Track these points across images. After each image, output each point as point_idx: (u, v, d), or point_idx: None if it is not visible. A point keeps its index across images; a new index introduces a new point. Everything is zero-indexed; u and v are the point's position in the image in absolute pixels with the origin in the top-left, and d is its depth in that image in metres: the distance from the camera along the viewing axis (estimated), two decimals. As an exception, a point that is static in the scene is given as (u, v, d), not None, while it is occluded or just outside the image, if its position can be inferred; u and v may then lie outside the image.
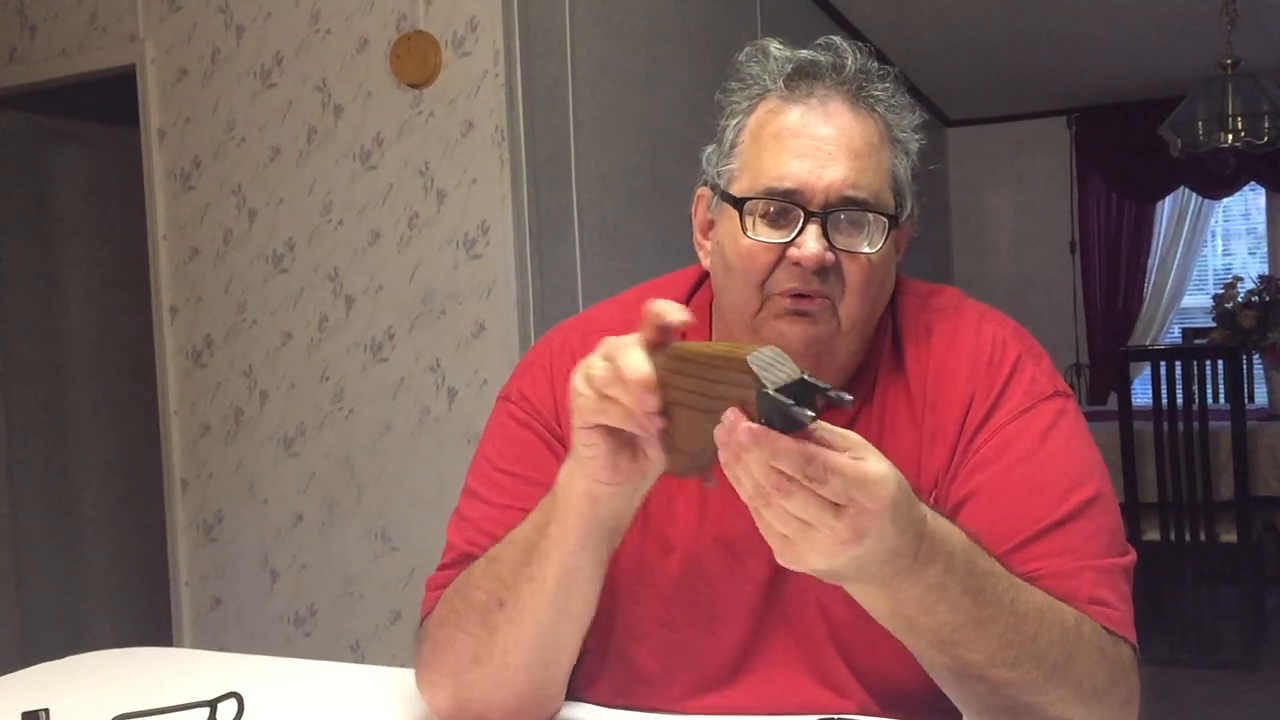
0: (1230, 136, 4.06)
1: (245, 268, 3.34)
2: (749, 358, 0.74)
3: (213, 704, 1.09)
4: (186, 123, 3.40)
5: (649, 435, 0.85)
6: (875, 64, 1.06)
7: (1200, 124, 4.13)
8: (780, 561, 0.80)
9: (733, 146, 1.06)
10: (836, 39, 1.07)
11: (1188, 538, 3.68)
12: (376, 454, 3.17)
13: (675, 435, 0.84)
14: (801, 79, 1.04)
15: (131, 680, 1.31)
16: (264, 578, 3.34)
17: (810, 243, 1.00)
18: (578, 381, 0.88)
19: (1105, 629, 0.96)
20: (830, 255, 1.00)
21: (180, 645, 3.36)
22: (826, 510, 0.75)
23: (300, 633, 3.29)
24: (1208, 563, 3.99)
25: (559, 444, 1.10)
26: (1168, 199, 5.67)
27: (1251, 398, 4.44)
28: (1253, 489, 3.67)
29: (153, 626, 3.71)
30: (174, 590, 3.49)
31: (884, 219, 1.02)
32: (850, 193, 1.01)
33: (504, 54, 2.97)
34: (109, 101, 3.71)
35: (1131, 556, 1.03)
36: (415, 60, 3.04)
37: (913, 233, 1.12)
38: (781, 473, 0.74)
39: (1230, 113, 4.05)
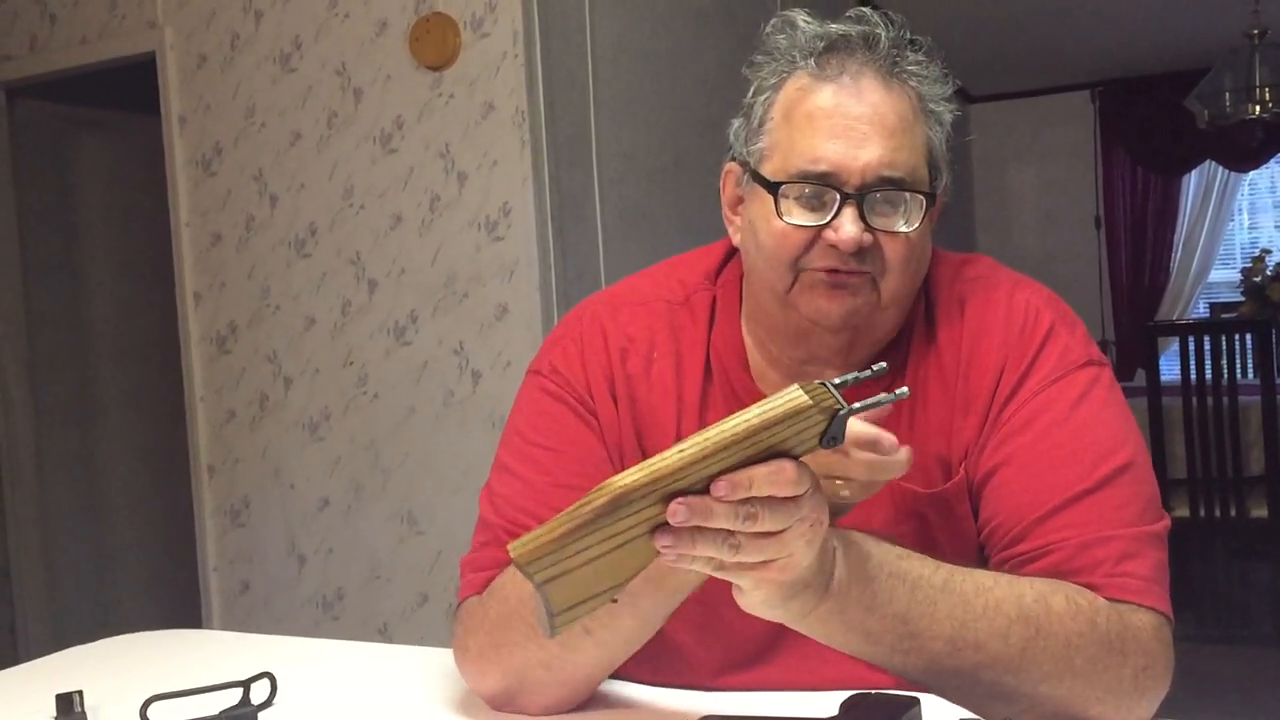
0: (1257, 108, 4.01)
1: (267, 253, 3.34)
2: (807, 396, 0.70)
3: (246, 684, 1.09)
4: (207, 109, 3.40)
5: None
6: (908, 35, 1.05)
7: (1227, 95, 4.08)
8: (760, 597, 0.79)
9: (762, 124, 1.04)
10: (866, 10, 1.05)
11: (1218, 514, 3.66)
12: (401, 437, 3.18)
13: None
14: (833, 55, 1.02)
15: (164, 662, 1.32)
16: (291, 562, 3.36)
17: (847, 225, 0.98)
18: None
19: (1113, 600, 0.94)
20: (868, 236, 0.99)
21: (210, 630, 3.38)
22: (792, 509, 0.74)
23: (328, 616, 3.30)
24: (1238, 539, 3.96)
25: (591, 416, 1.10)
26: (1194, 172, 5.61)
27: (1280, 372, 4.40)
28: (1284, 464, 3.64)
29: (182, 611, 3.74)
30: (202, 575, 3.51)
31: (921, 197, 1.01)
32: (887, 172, 0.99)
33: (523, 34, 2.95)
34: (129, 89, 3.72)
35: (1165, 522, 1.01)
36: (434, 42, 3.03)
37: (946, 200, 1.10)
38: (751, 500, 0.72)
39: (1257, 83, 4.01)
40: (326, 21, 3.20)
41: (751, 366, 1.11)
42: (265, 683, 1.10)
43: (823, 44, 1.02)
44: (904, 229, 1.00)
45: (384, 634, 3.20)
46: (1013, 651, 0.90)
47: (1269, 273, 3.95)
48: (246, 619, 3.41)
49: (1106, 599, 0.95)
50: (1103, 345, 5.70)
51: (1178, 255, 5.67)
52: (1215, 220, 5.64)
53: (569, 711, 1.06)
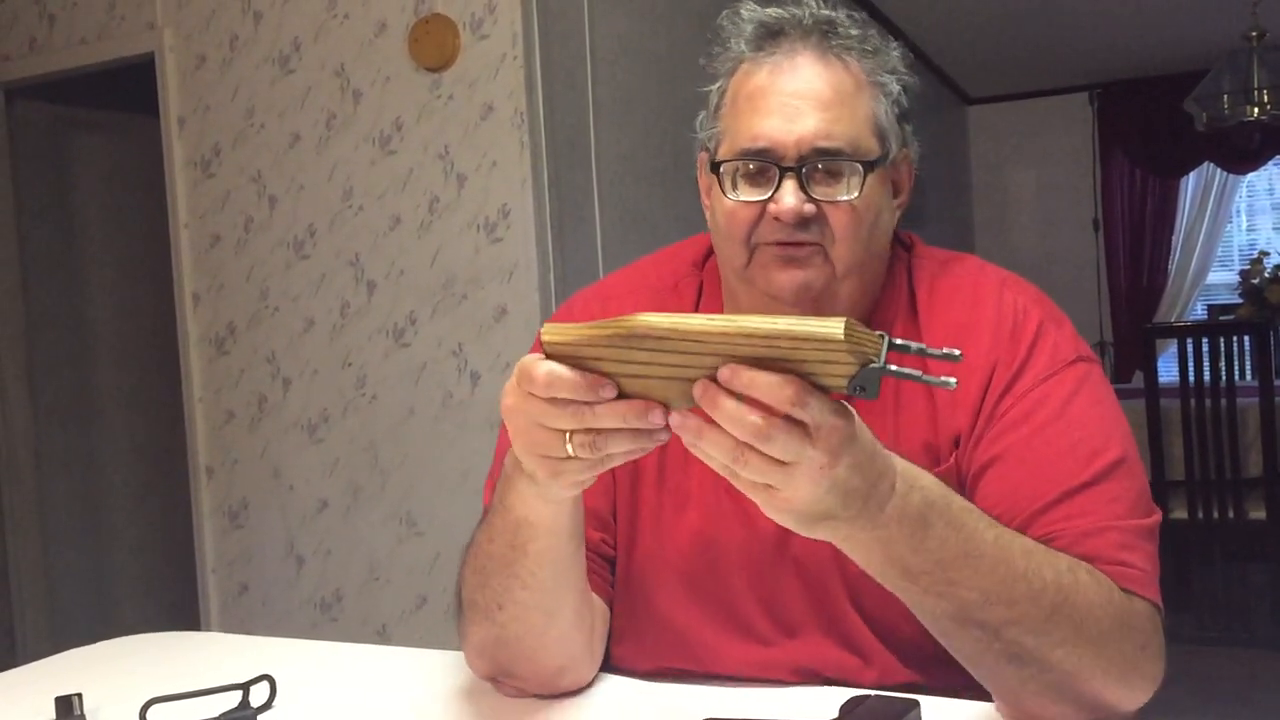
0: (1256, 110, 4.02)
1: (266, 254, 3.34)
2: (843, 332, 0.70)
3: (245, 686, 1.09)
4: (206, 110, 3.40)
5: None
6: (843, 11, 1.08)
7: (1225, 97, 4.09)
8: (769, 514, 0.79)
9: (717, 110, 1.10)
10: (792, 7, 1.09)
11: (1215, 515, 3.66)
12: (400, 439, 3.18)
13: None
14: (767, 38, 1.07)
15: (163, 664, 1.32)
16: (290, 563, 3.36)
17: (787, 197, 1.02)
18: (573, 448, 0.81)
19: (1119, 586, 0.96)
20: (810, 206, 1.02)
21: (208, 631, 3.38)
22: (804, 442, 0.74)
23: (327, 618, 3.30)
24: (1236, 541, 3.96)
25: None
26: (1192, 174, 5.61)
27: (1279, 374, 4.40)
28: (1281, 466, 3.65)
29: (180, 613, 3.74)
30: (201, 576, 3.51)
31: (859, 166, 1.03)
32: (822, 144, 1.02)
33: (522, 36, 2.95)
34: (128, 90, 3.72)
35: (1156, 517, 1.02)
36: (434, 44, 3.03)
37: (916, 171, 1.13)
38: (760, 419, 0.73)
39: (1256, 85, 4.01)
40: (326, 23, 3.20)
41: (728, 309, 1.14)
42: (265, 685, 1.11)
43: (761, 30, 1.07)
44: (846, 198, 1.03)
45: (382, 635, 3.20)
46: (1041, 614, 0.90)
47: (1267, 275, 3.95)
48: (245, 620, 3.41)
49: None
50: (1101, 347, 5.70)
51: (1176, 257, 5.67)
52: (1213, 222, 5.65)
53: (571, 710, 1.06)
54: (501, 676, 1.09)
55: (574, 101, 3.11)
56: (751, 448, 0.74)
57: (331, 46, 3.20)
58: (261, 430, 3.39)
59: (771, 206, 1.03)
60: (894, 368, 0.72)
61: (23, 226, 3.86)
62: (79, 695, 1.11)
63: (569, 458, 0.80)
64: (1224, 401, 3.59)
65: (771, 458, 0.74)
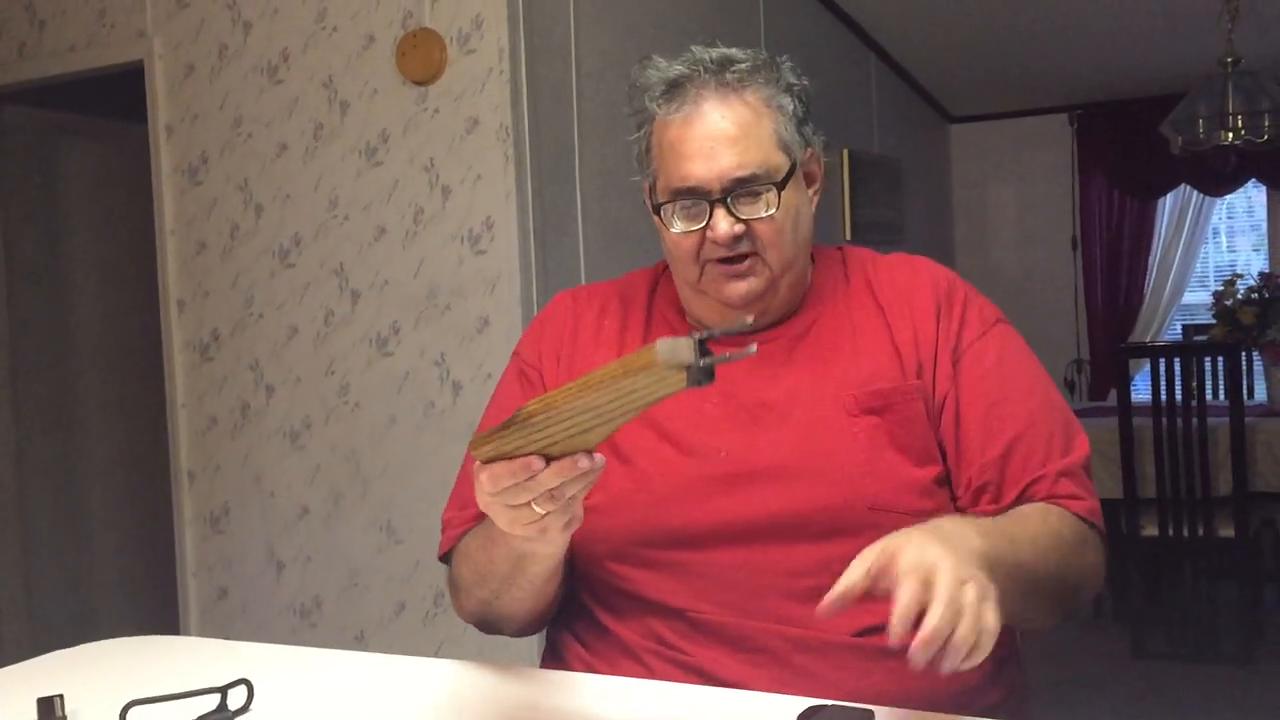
0: (1230, 134, 4.07)
1: (252, 262, 3.37)
2: (661, 361, 0.81)
3: (223, 690, 1.12)
4: (194, 119, 3.43)
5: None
6: (735, 50, 1.25)
7: (1200, 122, 4.13)
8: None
9: (648, 152, 1.28)
10: (695, 48, 1.26)
11: (1186, 533, 3.70)
12: (382, 448, 3.20)
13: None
14: (674, 92, 1.24)
15: (143, 667, 1.34)
16: (270, 569, 3.38)
17: (720, 224, 1.21)
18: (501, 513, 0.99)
19: (1077, 516, 1.21)
20: (740, 226, 1.21)
21: (188, 635, 3.39)
22: (959, 616, 0.90)
23: (306, 624, 3.32)
24: (1206, 558, 4.01)
25: (539, 379, 1.34)
26: (1169, 196, 5.66)
27: (1251, 394, 4.45)
28: (1251, 485, 3.68)
29: (160, 617, 3.75)
30: (181, 581, 3.52)
31: (772, 185, 1.21)
32: (738, 174, 1.21)
33: (509, 51, 2.99)
34: (117, 97, 3.74)
35: (1085, 449, 1.25)
36: (421, 57, 3.07)
37: (827, 160, 1.32)
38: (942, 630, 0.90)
39: (1230, 111, 4.06)
40: (314, 35, 3.24)
41: (687, 315, 1.33)
42: (243, 689, 1.13)
43: (667, 87, 1.24)
44: (766, 213, 1.22)
45: (361, 641, 3.22)
46: (1059, 577, 1.16)
47: (1240, 296, 4.00)
48: (224, 625, 3.43)
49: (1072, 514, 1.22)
50: (1077, 365, 5.76)
51: (1152, 277, 5.72)
52: (1189, 243, 5.71)
53: (542, 711, 1.10)
54: (486, 628, 1.29)
55: (559, 116, 3.15)
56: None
57: (320, 58, 3.23)
58: (244, 437, 3.41)
59: (709, 233, 1.22)
60: (704, 361, 0.82)
61: (9, 231, 3.88)
62: (60, 697, 1.13)
63: (543, 515, 0.97)
64: (1195, 421, 3.64)
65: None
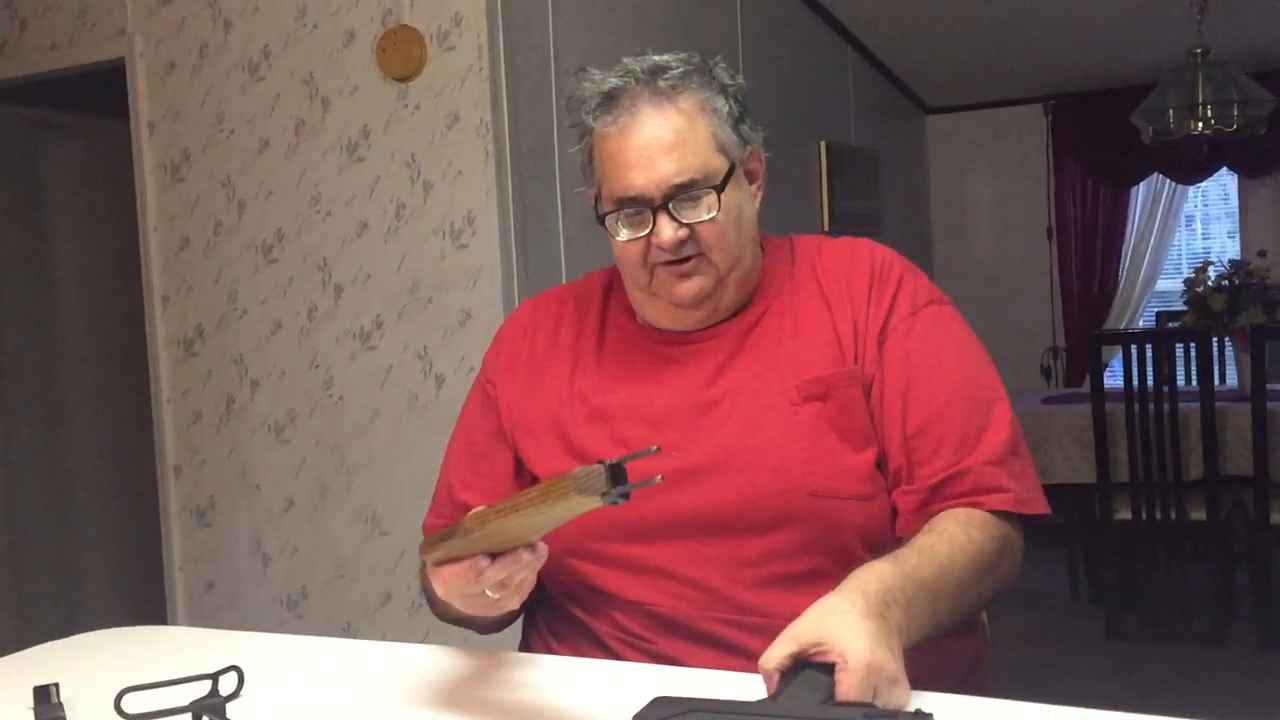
0: (1200, 124, 4.12)
1: (235, 258, 3.40)
2: (575, 488, 0.90)
3: (214, 676, 1.15)
4: (176, 115, 3.45)
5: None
6: (667, 57, 1.27)
7: (1171, 112, 4.18)
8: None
9: (590, 164, 1.30)
10: (626, 60, 1.28)
11: (1159, 516, 3.76)
12: (366, 440, 3.24)
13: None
14: (609, 104, 1.26)
15: (135, 656, 1.36)
16: (256, 561, 3.41)
17: (664, 231, 1.24)
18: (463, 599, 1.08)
19: (1000, 514, 1.21)
20: (683, 230, 1.24)
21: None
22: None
23: (293, 615, 3.36)
24: (1178, 541, 4.08)
25: (492, 386, 1.41)
26: (1142, 185, 5.72)
27: (1223, 379, 4.52)
28: (1221, 468, 3.74)
29: (147, 610, 3.78)
30: (168, 574, 3.55)
31: (711, 189, 1.24)
32: (677, 180, 1.23)
33: (488, 48, 3.02)
34: (99, 94, 3.76)
35: (1007, 430, 1.25)
36: (401, 54, 3.10)
37: (768, 154, 1.34)
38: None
39: (1200, 101, 4.11)
40: (295, 32, 3.26)
41: (638, 316, 1.36)
42: (233, 675, 1.17)
43: (603, 99, 1.26)
44: (708, 216, 1.25)
45: (347, 631, 3.26)
46: (974, 589, 1.17)
47: (1210, 283, 4.06)
48: (211, 617, 3.46)
49: (994, 511, 1.22)
50: (1053, 352, 5.82)
51: (1126, 265, 5.79)
52: (1162, 231, 5.77)
53: (527, 691, 1.15)
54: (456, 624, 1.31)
55: (538, 112, 3.18)
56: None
57: (301, 55, 3.26)
58: (229, 430, 3.44)
59: (654, 239, 1.25)
60: (614, 491, 0.89)
61: (-8, 228, 3.90)
62: (55, 685, 1.17)
63: (498, 599, 1.07)
64: (1167, 406, 3.70)
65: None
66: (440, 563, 1.05)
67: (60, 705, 1.15)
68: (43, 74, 3.66)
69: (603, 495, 0.88)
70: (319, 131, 3.25)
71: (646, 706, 0.90)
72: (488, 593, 1.05)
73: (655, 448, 0.95)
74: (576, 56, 3.32)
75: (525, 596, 1.09)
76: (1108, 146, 5.57)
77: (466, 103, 3.06)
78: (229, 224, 3.40)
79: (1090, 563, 4.32)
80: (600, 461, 0.89)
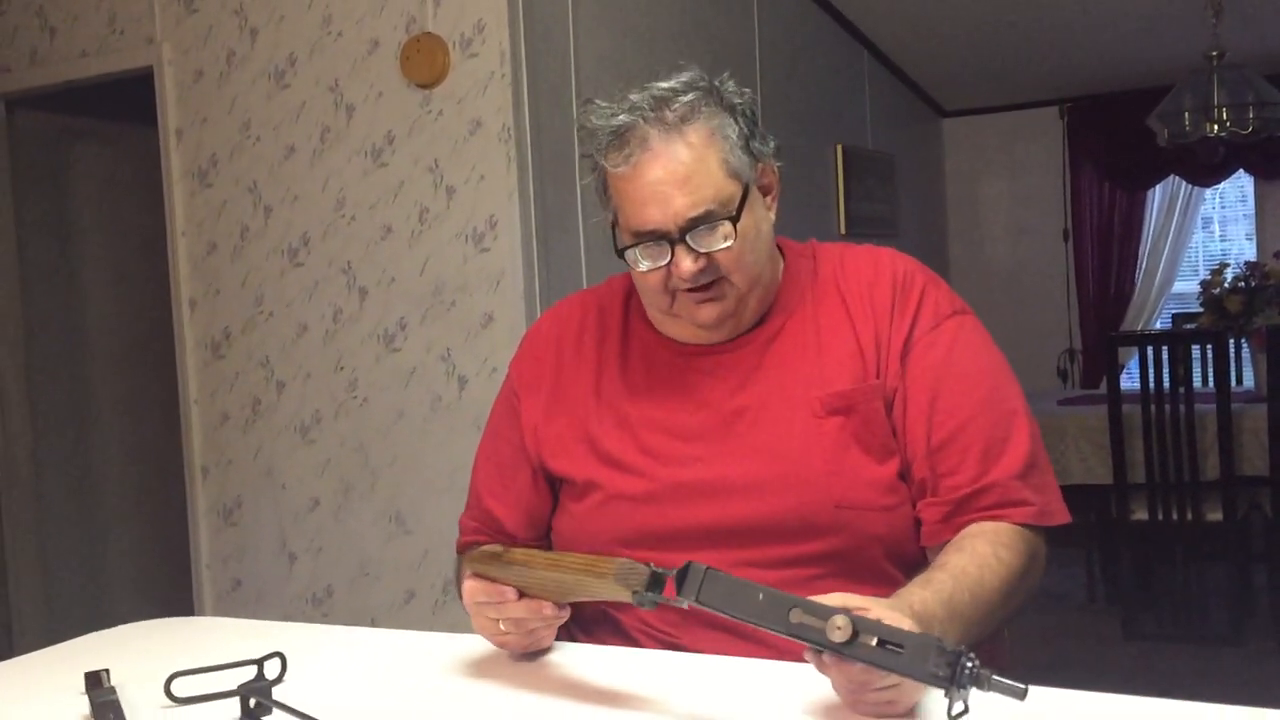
0: (1215, 127, 4.13)
1: (262, 262, 3.45)
2: (615, 575, 1.01)
3: (260, 662, 1.19)
4: (203, 123, 3.50)
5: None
6: (672, 83, 1.27)
7: (1186, 115, 4.20)
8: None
9: (605, 192, 1.31)
10: (631, 95, 1.28)
11: (1175, 517, 3.77)
12: (390, 440, 3.29)
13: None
14: (619, 141, 1.26)
15: (178, 644, 1.41)
16: (283, 560, 3.46)
17: (683, 263, 1.26)
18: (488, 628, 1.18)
19: (1018, 525, 1.24)
20: (702, 260, 1.26)
21: (203, 626, 3.47)
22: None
23: (319, 612, 3.41)
24: (1195, 541, 4.08)
25: (517, 399, 1.44)
26: (1158, 187, 5.73)
27: (1239, 380, 4.53)
28: (1238, 469, 3.74)
29: (174, 609, 3.78)
30: (195, 573, 3.60)
31: (727, 219, 1.25)
32: (692, 213, 1.25)
33: (510, 55, 3.07)
34: (127, 101, 3.81)
35: (1028, 443, 1.27)
36: (424, 61, 3.14)
37: (776, 167, 1.34)
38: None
39: (1216, 103, 4.12)
40: (320, 40, 3.31)
41: (659, 329, 1.38)
42: (276, 661, 1.21)
43: (613, 137, 1.27)
44: (725, 245, 1.26)
45: (372, 628, 3.30)
46: (1003, 604, 1.20)
47: (1226, 285, 4.06)
48: (238, 615, 3.50)
49: (1019, 524, 1.25)
50: (1069, 354, 5.84)
51: (1143, 267, 5.79)
52: (1179, 233, 5.78)
53: (556, 678, 1.19)
54: None
55: (559, 118, 3.23)
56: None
57: (325, 63, 3.31)
58: (255, 432, 3.49)
59: (674, 269, 1.27)
60: (647, 599, 1.00)
61: (22, 234, 3.94)
62: (106, 670, 1.20)
63: (506, 634, 1.16)
64: (1183, 408, 3.70)
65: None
66: (478, 575, 1.13)
67: (112, 689, 1.19)
68: (72, 82, 3.72)
69: (635, 593, 1.00)
70: (344, 138, 3.30)
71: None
72: (500, 625, 1.14)
73: (685, 603, 0.98)
74: (596, 63, 3.37)
75: (535, 647, 1.18)
76: (1124, 149, 5.58)
77: (489, 109, 3.10)
78: (255, 229, 3.45)
79: (1107, 563, 4.33)
80: (648, 564, 0.99)
